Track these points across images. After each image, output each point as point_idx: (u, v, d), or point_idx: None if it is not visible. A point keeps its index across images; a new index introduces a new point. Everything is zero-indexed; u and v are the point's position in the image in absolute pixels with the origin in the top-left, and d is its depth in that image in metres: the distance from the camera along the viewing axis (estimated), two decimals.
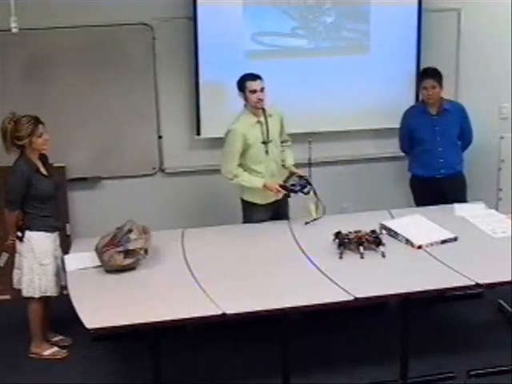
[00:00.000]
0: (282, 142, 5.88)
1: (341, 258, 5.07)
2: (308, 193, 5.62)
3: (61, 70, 6.19)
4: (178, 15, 6.30)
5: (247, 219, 5.81)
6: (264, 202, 5.72)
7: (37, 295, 5.26)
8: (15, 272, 5.37)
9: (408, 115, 6.24)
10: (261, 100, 5.56)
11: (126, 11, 6.16)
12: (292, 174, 5.74)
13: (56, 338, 5.59)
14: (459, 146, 6.23)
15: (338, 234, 5.21)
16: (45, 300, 5.34)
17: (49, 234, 5.27)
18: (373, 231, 5.24)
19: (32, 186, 5.15)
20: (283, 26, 6.45)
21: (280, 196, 5.73)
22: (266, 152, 5.66)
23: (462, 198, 6.12)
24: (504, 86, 6.78)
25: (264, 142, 5.65)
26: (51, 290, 5.26)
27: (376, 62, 6.66)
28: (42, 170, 5.25)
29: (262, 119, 5.65)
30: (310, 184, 5.63)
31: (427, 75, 6.06)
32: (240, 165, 5.65)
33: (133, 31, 6.24)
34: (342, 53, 6.62)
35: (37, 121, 5.14)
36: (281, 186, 5.61)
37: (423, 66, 6.65)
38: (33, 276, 5.22)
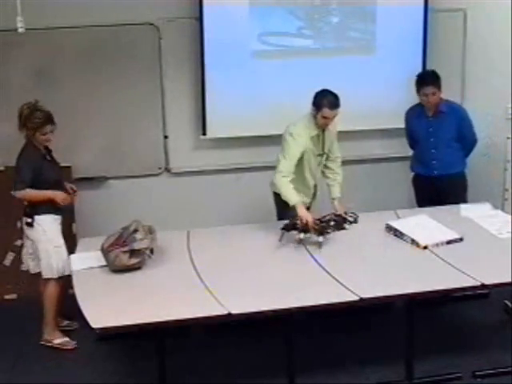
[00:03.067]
0: (330, 156, 5.84)
1: (280, 240, 5.23)
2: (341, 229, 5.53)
3: (66, 70, 6.21)
4: (184, 15, 6.30)
5: (282, 216, 5.74)
6: None
7: (56, 276, 5.39)
8: (29, 258, 5.52)
9: (408, 115, 6.29)
10: (327, 125, 5.54)
11: (132, 11, 6.17)
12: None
13: (63, 324, 5.71)
14: (456, 148, 6.15)
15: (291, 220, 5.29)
16: (62, 284, 5.44)
17: (56, 217, 5.44)
18: (320, 219, 5.30)
19: (40, 172, 5.32)
20: (289, 26, 6.45)
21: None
22: (319, 163, 5.71)
23: (459, 198, 6.07)
24: (510, 87, 6.77)
25: (320, 155, 5.68)
26: (68, 269, 5.29)
27: (382, 61, 6.66)
28: (48, 157, 5.44)
29: (320, 132, 5.61)
30: (346, 221, 5.58)
31: (427, 82, 5.98)
32: (296, 167, 5.54)
33: (139, 31, 6.25)
34: (347, 53, 6.62)
35: (47, 120, 5.31)
36: (318, 222, 5.31)
37: (430, 66, 6.65)
38: (49, 258, 5.37)
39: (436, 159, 6.12)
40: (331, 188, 5.83)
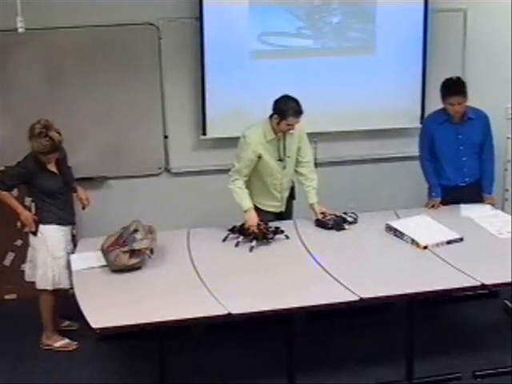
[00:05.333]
0: (300, 162, 5.71)
1: (223, 241, 5.39)
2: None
3: (66, 70, 6.20)
4: (184, 15, 6.30)
5: None
6: (264, 208, 5.70)
7: (50, 288, 5.34)
8: (27, 265, 5.45)
9: (429, 123, 5.99)
10: (290, 130, 5.44)
11: (132, 11, 6.16)
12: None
13: (64, 324, 5.71)
14: (479, 155, 5.97)
15: (241, 226, 5.41)
16: (56, 291, 5.40)
17: (61, 228, 5.37)
18: (258, 224, 5.36)
19: (36, 182, 5.27)
20: (289, 26, 6.44)
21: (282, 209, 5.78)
22: (284, 167, 5.59)
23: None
24: (510, 87, 6.77)
25: (280, 160, 5.56)
26: (64, 283, 5.31)
27: (382, 62, 6.65)
28: (51, 167, 5.32)
29: (281, 137, 5.51)
30: (346, 221, 5.58)
31: (454, 91, 5.72)
32: (255, 172, 5.56)
33: (139, 31, 6.24)
34: (347, 53, 6.62)
35: (52, 150, 5.18)
36: (260, 227, 5.37)
37: (430, 66, 6.65)
38: (46, 269, 5.30)
39: (467, 166, 5.91)
40: (307, 194, 5.71)
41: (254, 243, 5.27)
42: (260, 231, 5.34)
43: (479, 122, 5.92)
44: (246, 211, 5.47)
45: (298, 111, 5.34)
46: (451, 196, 5.97)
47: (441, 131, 5.89)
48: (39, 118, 5.24)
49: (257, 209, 5.59)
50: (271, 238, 5.35)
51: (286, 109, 5.34)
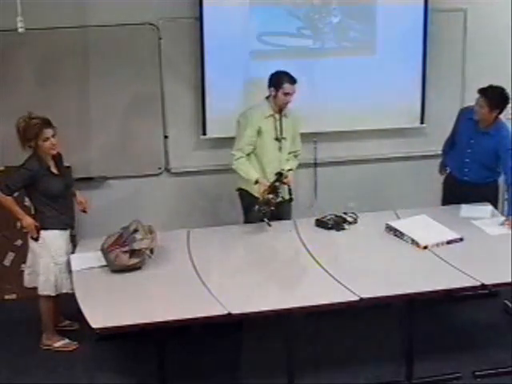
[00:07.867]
0: (290, 153, 5.81)
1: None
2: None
3: (67, 70, 6.20)
4: (184, 15, 6.30)
5: (247, 210, 5.76)
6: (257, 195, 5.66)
7: (53, 293, 5.31)
8: (26, 270, 5.42)
9: (463, 113, 6.04)
10: (288, 102, 5.60)
11: (132, 11, 6.16)
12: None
13: (64, 323, 5.70)
14: (488, 169, 5.91)
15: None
16: (57, 295, 5.38)
17: (63, 232, 5.33)
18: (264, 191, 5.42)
19: (40, 184, 5.20)
20: (289, 26, 6.45)
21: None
22: (280, 149, 5.69)
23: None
24: (510, 87, 6.76)
25: (277, 139, 5.66)
26: (67, 287, 5.26)
27: (382, 61, 6.65)
28: (53, 169, 5.30)
29: (277, 116, 5.67)
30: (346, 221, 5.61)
31: (481, 92, 5.74)
32: (254, 154, 5.65)
33: (139, 31, 6.24)
34: (347, 53, 6.62)
35: (44, 124, 5.16)
36: (271, 187, 5.46)
37: (430, 66, 6.65)
38: (49, 275, 5.26)
39: (468, 168, 5.93)
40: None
41: (266, 220, 5.36)
42: (273, 189, 5.40)
43: (494, 140, 5.80)
44: (256, 182, 5.54)
45: (291, 78, 5.59)
46: (459, 188, 5.98)
47: (463, 125, 5.96)
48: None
49: (250, 195, 5.65)
50: (276, 198, 5.42)
51: (279, 77, 5.59)
